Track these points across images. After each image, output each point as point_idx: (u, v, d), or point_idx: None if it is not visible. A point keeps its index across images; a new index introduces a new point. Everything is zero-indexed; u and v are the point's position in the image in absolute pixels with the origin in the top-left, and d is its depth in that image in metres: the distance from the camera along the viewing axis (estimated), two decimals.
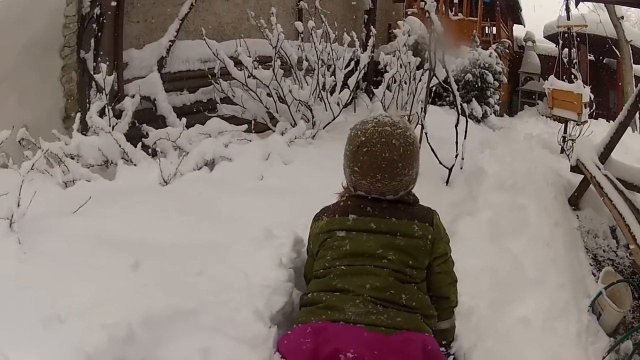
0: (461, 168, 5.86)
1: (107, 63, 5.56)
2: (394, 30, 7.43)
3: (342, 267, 2.19)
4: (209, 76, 6.29)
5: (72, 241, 2.40)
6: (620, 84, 18.27)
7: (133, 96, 5.65)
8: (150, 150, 4.75)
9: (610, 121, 7.10)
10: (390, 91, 7.12)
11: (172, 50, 6.90)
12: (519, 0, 22.20)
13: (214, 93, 6.52)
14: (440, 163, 5.55)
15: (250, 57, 6.16)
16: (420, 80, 6.66)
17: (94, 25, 5.93)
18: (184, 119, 5.09)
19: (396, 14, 14.81)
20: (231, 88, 6.31)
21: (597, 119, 14.24)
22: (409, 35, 7.48)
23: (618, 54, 19.58)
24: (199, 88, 7.16)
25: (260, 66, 6.25)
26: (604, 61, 22.92)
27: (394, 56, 7.16)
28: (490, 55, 12.63)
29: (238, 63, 6.10)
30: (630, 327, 3.96)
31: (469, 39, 13.61)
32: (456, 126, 5.68)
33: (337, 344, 1.91)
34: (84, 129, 4.90)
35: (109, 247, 2.39)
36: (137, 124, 5.38)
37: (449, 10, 15.99)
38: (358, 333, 1.95)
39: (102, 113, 4.89)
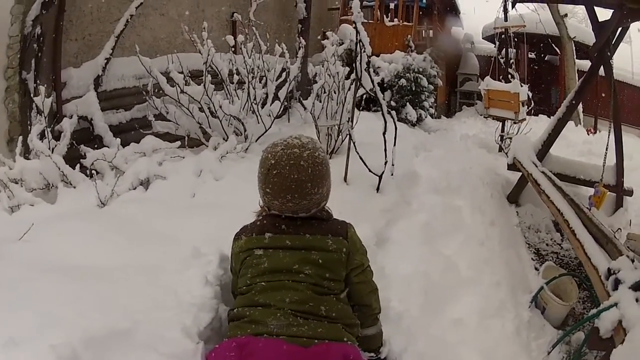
0: (392, 174, 6.08)
1: (45, 85, 5.64)
2: (322, 42, 7.67)
3: (263, 283, 2.34)
4: (144, 93, 6.47)
5: (19, 267, 2.61)
6: (562, 80, 18.83)
7: (71, 117, 5.91)
8: (88, 171, 4.95)
9: (551, 117, 7.51)
10: (320, 101, 7.36)
11: (108, 68, 7.02)
12: (457, 3, 22.45)
13: (147, 110, 6.72)
14: (370, 171, 5.78)
15: (183, 72, 6.38)
16: (349, 89, 6.85)
17: (35, 45, 6.04)
18: (118, 139, 5.34)
19: (331, 21, 15.09)
20: (164, 105, 6.50)
21: (537, 116, 14.92)
22: (341, 43, 7.75)
23: (559, 52, 20.19)
24: (134, 105, 7.26)
25: (193, 81, 6.51)
26: (546, 58, 23.43)
27: (323, 66, 7.39)
28: (424, 60, 12.97)
29: (171, 79, 6.30)
30: (580, 318, 4.22)
31: (403, 45, 13.98)
32: (384, 134, 5.91)
33: (258, 358, 2.07)
34: (27, 151, 5.10)
35: (52, 273, 2.58)
36: (75, 145, 5.57)
37: (385, 16, 16.14)
38: (278, 346, 2.11)
39: (42, 135, 5.10)
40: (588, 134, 15.24)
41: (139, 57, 6.29)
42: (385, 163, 5.88)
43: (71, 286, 2.48)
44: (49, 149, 4.95)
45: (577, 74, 17.36)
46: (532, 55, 23.39)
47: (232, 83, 6.84)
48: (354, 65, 5.95)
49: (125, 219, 3.72)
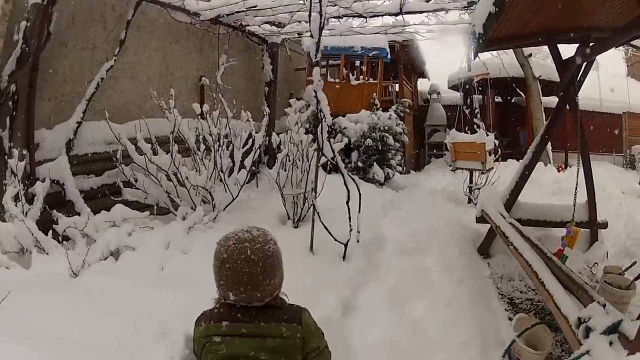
0: (358, 241, 6.31)
1: (19, 149, 5.95)
2: (285, 110, 7.86)
3: None
4: (114, 159, 6.72)
5: None
6: (529, 121, 19.10)
7: (44, 180, 6.09)
8: (60, 238, 5.21)
9: (520, 160, 7.64)
10: (285, 170, 7.50)
11: (79, 131, 7.26)
12: (422, 55, 22.27)
13: (117, 177, 6.96)
14: (336, 240, 6.01)
15: (151, 139, 6.68)
16: (313, 157, 7.06)
17: (10, 103, 6.22)
18: (88, 209, 5.66)
19: (298, 82, 15.49)
20: (133, 173, 6.77)
21: (506, 160, 14.98)
22: (308, 105, 7.82)
23: (524, 94, 20.60)
24: (105, 171, 7.54)
25: (162, 147, 6.79)
26: (513, 100, 23.85)
27: (287, 134, 7.56)
28: (390, 118, 13.16)
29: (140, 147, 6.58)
30: None
31: (369, 103, 14.15)
32: (347, 203, 6.16)
33: None
34: (2, 210, 5.38)
35: (25, 342, 2.77)
36: (48, 209, 5.78)
37: (351, 73, 16.44)
38: None
39: (17, 197, 5.37)
40: (559, 171, 15.50)
41: (108, 123, 6.57)
42: (351, 231, 6.08)
43: (43, 357, 2.68)
44: (23, 212, 5.23)
45: (543, 113, 17.73)
46: (498, 99, 23.75)
47: (199, 151, 7.12)
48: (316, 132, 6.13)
49: (96, 290, 3.92)
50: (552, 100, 13.67)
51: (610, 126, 22.08)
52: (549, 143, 9.60)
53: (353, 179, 6.49)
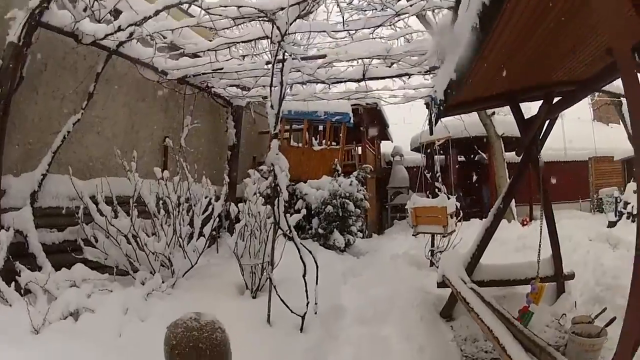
0: (315, 313, 6.44)
1: None
2: (245, 180, 8.02)
3: None
4: (76, 215, 6.85)
5: None
6: (493, 179, 19.48)
7: (8, 229, 6.26)
8: (22, 291, 5.39)
9: (484, 219, 7.64)
10: (243, 240, 7.57)
11: (44, 184, 7.30)
12: (385, 117, 23.02)
13: (78, 234, 7.04)
14: (292, 312, 6.13)
15: (113, 199, 6.85)
16: (270, 228, 7.12)
17: None
18: (49, 264, 5.85)
19: (262, 145, 15.73)
20: (94, 232, 6.89)
21: (469, 220, 14.95)
22: (270, 170, 7.69)
23: (485, 154, 20.85)
24: (67, 227, 7.51)
25: (124, 207, 6.94)
26: (476, 159, 24.34)
27: (245, 204, 7.67)
28: (351, 184, 13.36)
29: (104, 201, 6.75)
30: None
31: (331, 169, 14.38)
32: (304, 276, 6.32)
33: None
34: None
35: None
36: (11, 259, 5.91)
37: (314, 137, 16.84)
38: None
39: None
40: (523, 225, 15.85)
41: (71, 179, 6.77)
42: (307, 304, 6.24)
43: None
44: None
45: (506, 170, 18.11)
46: (461, 158, 24.45)
47: (159, 215, 7.25)
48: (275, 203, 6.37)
49: (56, 352, 4.04)
50: (516, 156, 14.01)
51: (576, 173, 22.82)
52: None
53: (310, 251, 6.62)
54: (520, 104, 6.80)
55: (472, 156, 24.76)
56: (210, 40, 8.53)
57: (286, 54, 6.47)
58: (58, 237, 7.42)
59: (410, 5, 7.07)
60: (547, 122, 6.75)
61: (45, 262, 6.62)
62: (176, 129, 10.77)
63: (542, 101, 6.40)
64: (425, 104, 11.14)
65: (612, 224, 14.42)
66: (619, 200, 17.74)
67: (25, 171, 7.24)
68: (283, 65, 6.43)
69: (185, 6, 6.84)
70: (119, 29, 7.11)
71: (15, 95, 6.80)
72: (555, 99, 6.31)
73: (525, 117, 6.84)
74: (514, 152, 16.88)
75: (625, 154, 20.68)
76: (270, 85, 6.28)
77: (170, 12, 6.98)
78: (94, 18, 6.99)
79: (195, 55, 9.14)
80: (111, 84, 9.01)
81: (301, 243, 6.62)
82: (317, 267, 6.48)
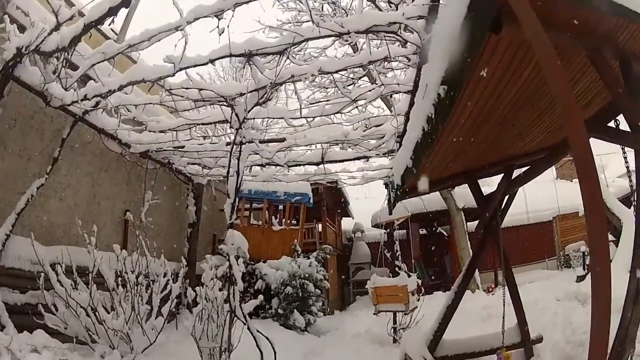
0: None
1: None
2: (202, 265, 8.05)
3: None
4: (37, 280, 6.84)
5: None
6: (455, 250, 19.59)
7: None
8: None
9: (447, 291, 7.58)
10: (201, 323, 7.45)
11: (7, 244, 7.23)
12: (346, 194, 23.32)
13: (39, 299, 7.00)
14: None
15: (73, 269, 6.88)
16: (227, 314, 7.00)
17: None
18: (12, 324, 5.90)
19: (222, 222, 15.62)
20: (54, 301, 6.87)
21: (432, 293, 15.18)
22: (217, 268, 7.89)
23: (445, 232, 20.98)
24: (29, 290, 7.43)
25: (83, 278, 6.95)
26: (438, 231, 24.45)
27: (202, 287, 7.60)
28: (310, 265, 13.49)
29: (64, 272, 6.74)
30: None
31: (290, 250, 14.53)
32: None
33: None
34: None
35: None
36: None
37: (273, 217, 16.90)
38: None
39: None
40: (489, 291, 15.94)
41: (33, 246, 6.85)
42: None
43: None
44: None
45: (468, 242, 18.13)
46: (423, 231, 24.62)
47: (118, 290, 7.26)
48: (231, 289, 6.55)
49: None
50: (475, 233, 14.16)
51: (541, 234, 23.09)
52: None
53: (267, 338, 6.75)
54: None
55: (433, 229, 24.92)
56: (176, 116, 8.73)
57: (245, 138, 6.61)
58: (20, 298, 7.34)
59: (369, 91, 7.31)
60: (507, 198, 6.98)
61: (8, 322, 6.61)
62: (137, 202, 10.89)
63: (501, 178, 6.62)
64: (384, 183, 11.30)
65: (580, 278, 14.59)
66: (586, 254, 17.97)
67: None
68: (240, 151, 6.57)
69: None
70: (85, 98, 7.28)
71: None
72: (514, 178, 6.52)
73: (484, 194, 7.03)
74: (476, 222, 17.25)
75: None
76: (227, 174, 6.38)
77: (141, 85, 7.12)
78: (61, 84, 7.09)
79: (159, 130, 9.24)
80: (76, 151, 9.15)
81: (258, 330, 6.72)
82: (274, 353, 6.54)
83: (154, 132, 9.29)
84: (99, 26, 6.29)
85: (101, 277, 7.19)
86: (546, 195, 23.34)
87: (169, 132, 9.15)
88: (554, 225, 23.06)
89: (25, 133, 8.00)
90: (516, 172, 6.73)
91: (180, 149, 9.72)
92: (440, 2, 4.62)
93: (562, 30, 3.14)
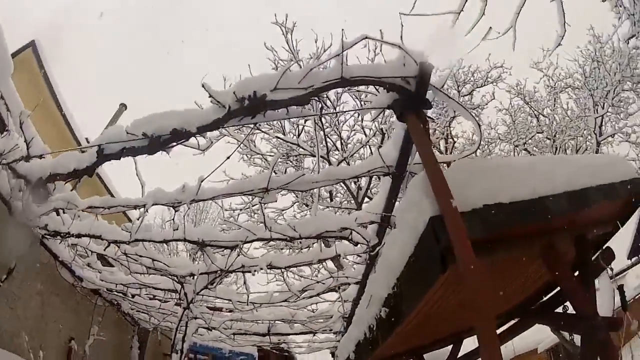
0: None
1: None
2: None
3: None
4: None
5: None
6: None
7: None
8: None
9: None
10: None
11: None
12: (294, 356, 22.92)
13: None
14: None
15: None
16: None
17: None
18: None
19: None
20: None
21: None
22: None
23: None
24: None
25: None
26: None
27: None
28: None
29: None
30: None
31: None
32: None
33: None
34: None
35: None
36: None
37: None
38: None
39: None
40: None
41: None
42: None
43: None
44: None
45: None
46: None
47: None
48: None
49: None
50: None
51: None
52: None
53: None
54: None
55: None
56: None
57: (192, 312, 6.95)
58: None
59: (317, 282, 7.79)
60: None
61: None
62: (83, 333, 10.79)
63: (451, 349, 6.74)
64: (331, 353, 11.51)
65: None
66: None
67: None
68: (186, 328, 6.87)
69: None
70: (45, 228, 7.28)
71: None
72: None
73: None
74: None
75: (550, 343, 20.60)
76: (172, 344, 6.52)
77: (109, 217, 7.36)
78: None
79: (111, 281, 9.46)
80: (32, 268, 9.03)
81: None
82: None
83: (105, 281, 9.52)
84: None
85: None
86: None
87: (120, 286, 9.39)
88: None
89: None
90: None
91: (130, 299, 9.94)
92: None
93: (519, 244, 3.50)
